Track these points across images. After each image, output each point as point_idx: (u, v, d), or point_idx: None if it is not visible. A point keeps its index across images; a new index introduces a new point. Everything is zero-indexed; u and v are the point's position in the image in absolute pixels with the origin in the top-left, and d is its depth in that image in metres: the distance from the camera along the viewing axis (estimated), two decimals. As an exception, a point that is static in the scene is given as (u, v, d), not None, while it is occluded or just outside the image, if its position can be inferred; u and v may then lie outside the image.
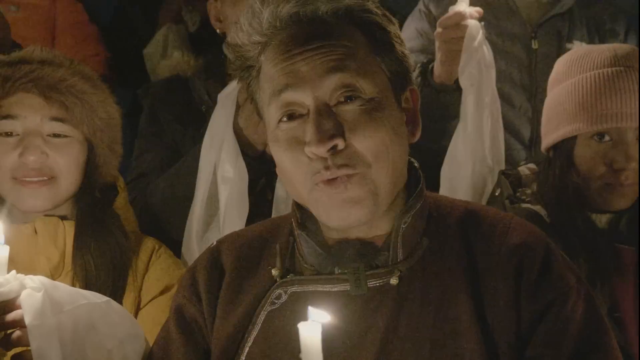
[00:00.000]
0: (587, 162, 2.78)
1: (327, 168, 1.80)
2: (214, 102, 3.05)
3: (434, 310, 1.85)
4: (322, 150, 1.78)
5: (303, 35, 1.84)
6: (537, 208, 2.80)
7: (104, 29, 4.48)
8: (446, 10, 3.22)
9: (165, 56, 4.08)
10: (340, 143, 1.79)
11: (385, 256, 1.88)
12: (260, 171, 2.94)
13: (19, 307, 1.93)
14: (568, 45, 3.37)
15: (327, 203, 1.83)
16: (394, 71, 1.91)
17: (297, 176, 1.85)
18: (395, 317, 1.84)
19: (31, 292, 1.94)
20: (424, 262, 1.89)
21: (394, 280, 1.86)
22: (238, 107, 2.94)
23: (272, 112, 1.85)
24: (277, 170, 1.94)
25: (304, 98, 1.81)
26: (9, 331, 1.98)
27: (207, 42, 3.83)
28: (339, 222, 1.85)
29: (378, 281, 1.87)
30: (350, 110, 1.82)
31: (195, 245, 2.84)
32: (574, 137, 2.80)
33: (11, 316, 1.94)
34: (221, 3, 3.31)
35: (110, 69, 4.26)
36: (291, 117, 1.84)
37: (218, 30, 3.40)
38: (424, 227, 1.93)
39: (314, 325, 1.55)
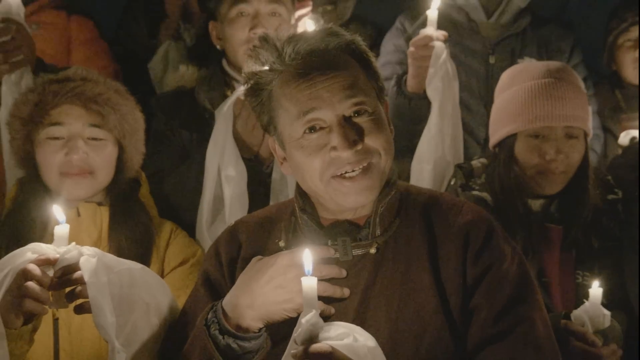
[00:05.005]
0: (524, 154, 3.23)
1: (349, 163, 2.24)
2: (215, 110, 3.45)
3: (402, 273, 2.30)
4: (349, 154, 2.24)
5: (319, 65, 2.28)
6: (484, 195, 3.24)
7: (109, 43, 4.61)
8: (418, 28, 3.67)
9: (168, 69, 4.37)
10: (359, 146, 2.26)
11: (366, 232, 2.35)
12: (255, 170, 3.35)
13: (79, 269, 2.35)
14: (519, 61, 3.70)
15: (347, 192, 2.27)
16: (379, 89, 2.39)
17: (315, 173, 2.28)
18: (373, 277, 2.30)
19: (88, 257, 2.36)
20: (395, 236, 2.35)
21: (372, 250, 2.33)
22: (234, 117, 3.35)
23: (296, 127, 2.27)
24: (293, 167, 2.34)
25: (326, 116, 2.26)
26: (72, 287, 2.39)
27: (204, 55, 4.11)
28: (355, 204, 2.30)
29: (360, 251, 2.34)
30: (362, 121, 2.29)
31: (205, 233, 3.23)
32: (515, 135, 3.25)
33: (74, 275, 2.36)
34: (220, 24, 3.75)
35: (118, 80, 4.25)
36: (313, 129, 2.27)
37: (218, 47, 3.81)
38: (396, 209, 2.38)
39: (312, 278, 2.01)
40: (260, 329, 2.25)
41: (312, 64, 2.29)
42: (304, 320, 1.99)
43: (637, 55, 4.21)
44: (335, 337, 2.00)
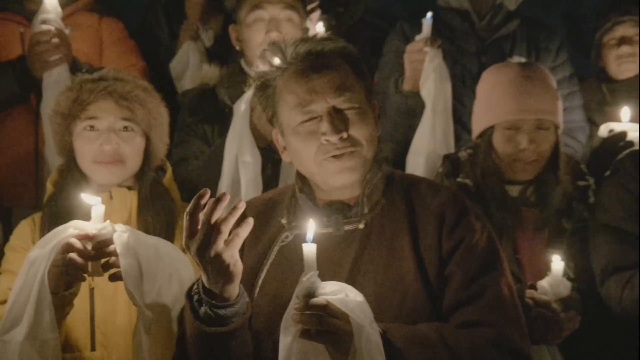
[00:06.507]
0: (501, 144, 3.50)
1: (337, 149, 2.54)
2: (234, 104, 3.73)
3: (387, 245, 2.56)
4: (335, 138, 2.54)
5: (316, 65, 2.60)
6: (467, 181, 3.50)
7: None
8: (416, 33, 3.96)
9: (187, 69, 4.65)
10: (344, 134, 2.56)
11: (356, 210, 2.62)
12: (268, 157, 3.64)
13: (112, 243, 2.66)
14: (509, 60, 3.89)
15: (335, 170, 2.56)
16: (367, 90, 2.70)
17: (309, 156, 2.57)
18: (361, 249, 2.57)
19: (120, 233, 2.66)
20: (381, 214, 2.62)
21: (361, 226, 2.59)
22: (251, 111, 3.64)
23: (294, 116, 2.56)
24: (292, 153, 2.62)
25: (318, 108, 2.57)
26: (107, 259, 2.70)
27: (221, 54, 4.42)
28: (341, 182, 2.58)
29: (351, 226, 2.60)
30: (349, 114, 2.59)
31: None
32: (492, 127, 3.52)
33: (108, 248, 2.67)
34: (239, 27, 4.05)
35: (146, 76, 4.35)
36: (307, 118, 2.57)
37: (237, 48, 4.09)
38: (382, 190, 2.65)
39: (311, 245, 2.27)
40: (236, 299, 2.42)
41: (309, 63, 2.60)
42: (304, 279, 2.26)
43: (619, 52, 4.45)
44: (330, 293, 2.24)
